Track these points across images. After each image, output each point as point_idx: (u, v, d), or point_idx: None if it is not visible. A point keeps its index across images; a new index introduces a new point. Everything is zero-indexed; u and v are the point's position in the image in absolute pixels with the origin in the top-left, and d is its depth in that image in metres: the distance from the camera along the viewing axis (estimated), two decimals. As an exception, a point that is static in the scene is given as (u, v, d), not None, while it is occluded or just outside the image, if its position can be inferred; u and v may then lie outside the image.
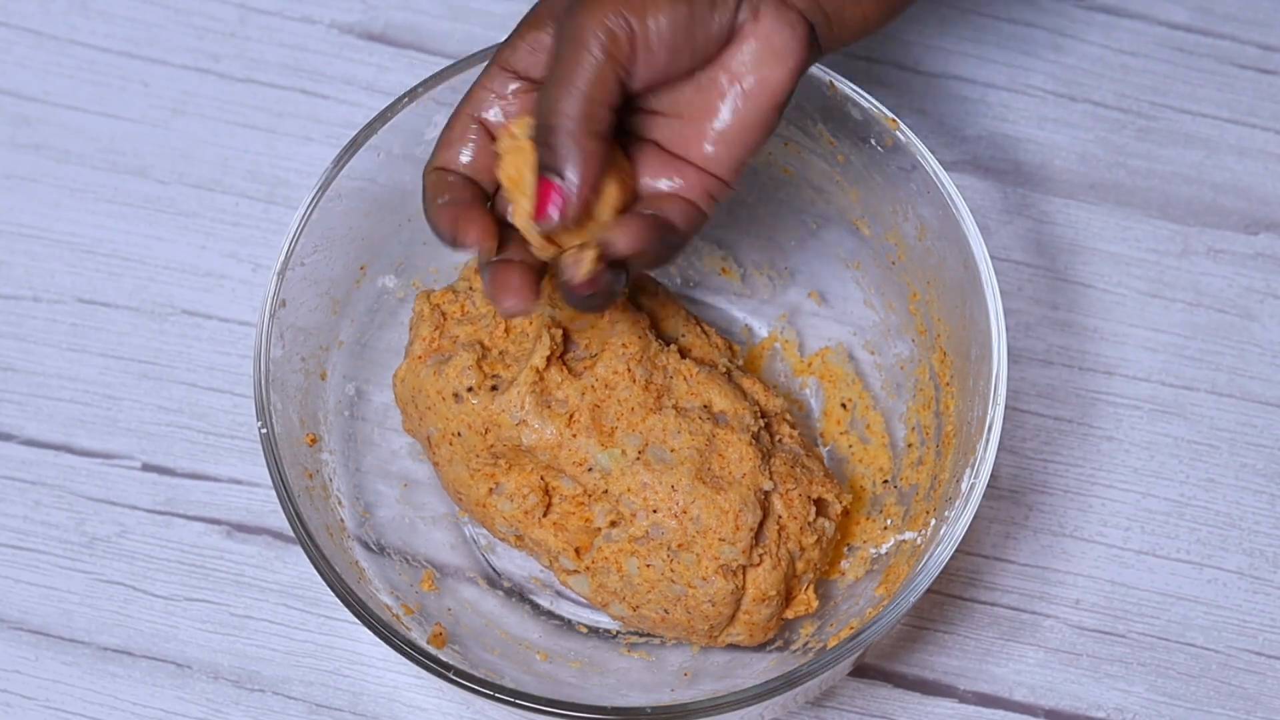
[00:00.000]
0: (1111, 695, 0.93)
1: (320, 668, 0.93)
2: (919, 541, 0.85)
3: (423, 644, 0.83)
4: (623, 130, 0.79)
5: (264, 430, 0.84)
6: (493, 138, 0.80)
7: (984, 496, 0.83)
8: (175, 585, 0.94)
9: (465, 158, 0.80)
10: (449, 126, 0.80)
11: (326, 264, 0.88)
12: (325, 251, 0.88)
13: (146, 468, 0.96)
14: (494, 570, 0.93)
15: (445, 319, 0.88)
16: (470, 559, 0.92)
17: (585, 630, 0.91)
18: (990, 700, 0.93)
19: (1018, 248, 1.00)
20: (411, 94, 0.87)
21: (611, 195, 0.77)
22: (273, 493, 0.87)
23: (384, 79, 1.04)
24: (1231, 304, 0.99)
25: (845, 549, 0.91)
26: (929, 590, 0.83)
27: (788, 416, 0.90)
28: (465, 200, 0.79)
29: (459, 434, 0.86)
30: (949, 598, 0.94)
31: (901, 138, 0.87)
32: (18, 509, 0.96)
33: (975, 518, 0.82)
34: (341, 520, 0.88)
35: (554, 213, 0.75)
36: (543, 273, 0.80)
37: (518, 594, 0.92)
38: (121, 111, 1.03)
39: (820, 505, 0.88)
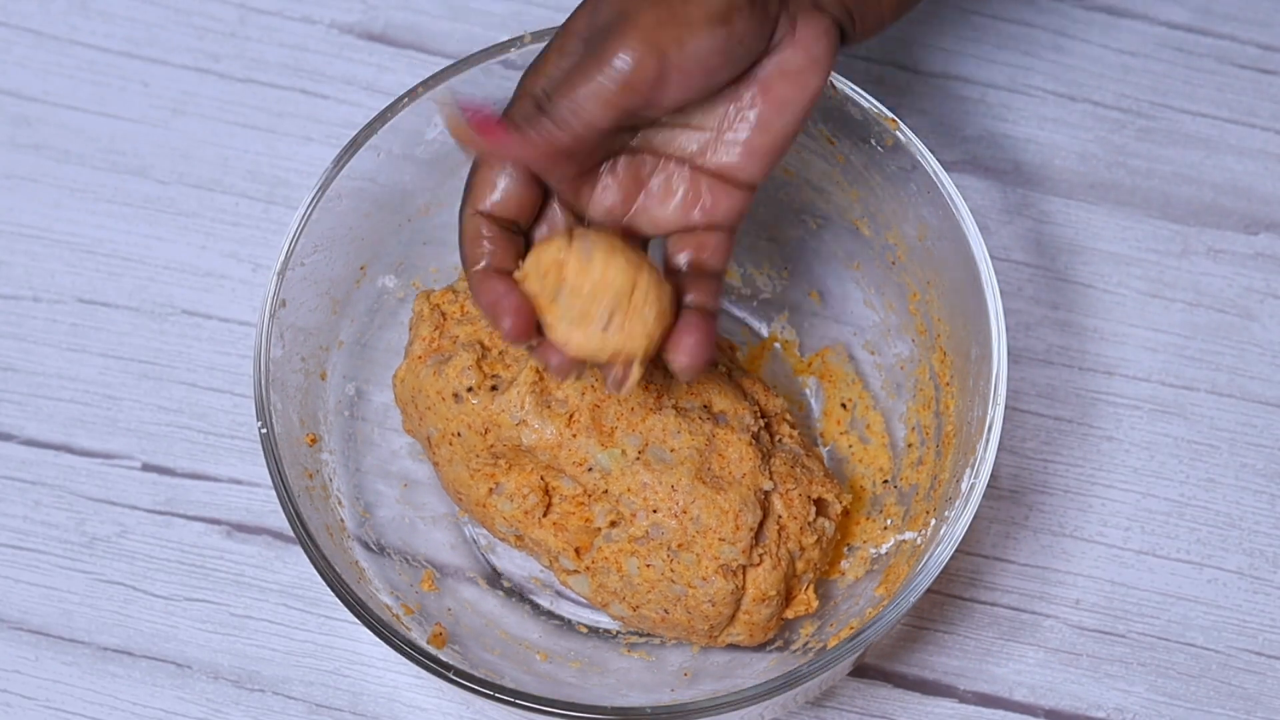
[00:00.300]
0: (1111, 695, 0.93)
1: (320, 668, 0.93)
2: (919, 541, 0.85)
3: (423, 644, 0.83)
4: (649, 147, 0.78)
5: (264, 430, 0.84)
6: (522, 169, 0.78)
7: (984, 496, 0.83)
8: (175, 585, 0.94)
9: (496, 196, 0.78)
10: (477, 168, 0.78)
11: (326, 264, 0.88)
12: (325, 251, 0.88)
13: (146, 468, 0.96)
14: (494, 570, 0.93)
15: (445, 319, 0.88)
16: (470, 559, 0.92)
17: (585, 630, 0.91)
18: (990, 700, 0.93)
19: (1018, 248, 1.00)
20: (411, 94, 0.87)
21: (650, 314, 0.78)
22: (273, 493, 0.87)
23: (384, 79, 1.03)
24: (1231, 304, 0.99)
25: (845, 549, 0.91)
26: (929, 590, 0.83)
27: (788, 416, 0.90)
28: (503, 285, 0.78)
29: (459, 434, 0.86)
30: (949, 598, 0.94)
31: (901, 138, 0.87)
32: (18, 509, 0.96)
33: (975, 518, 0.82)
34: (341, 520, 0.88)
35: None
36: None
37: (518, 594, 0.92)
38: (121, 111, 1.03)
39: (820, 505, 0.88)
